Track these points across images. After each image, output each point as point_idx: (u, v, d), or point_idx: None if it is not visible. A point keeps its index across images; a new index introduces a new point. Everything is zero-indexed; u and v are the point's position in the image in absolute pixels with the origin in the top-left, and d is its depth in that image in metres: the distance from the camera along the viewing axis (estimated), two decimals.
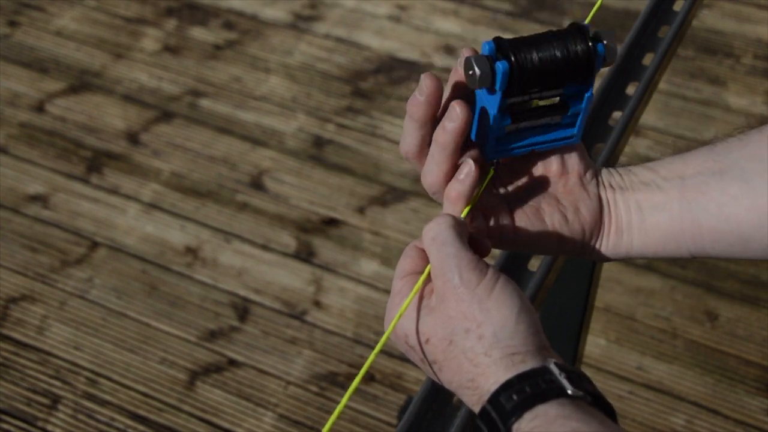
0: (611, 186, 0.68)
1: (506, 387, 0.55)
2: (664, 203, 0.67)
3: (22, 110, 2.41)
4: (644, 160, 2.30)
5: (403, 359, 1.86)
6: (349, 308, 1.96)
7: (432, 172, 0.64)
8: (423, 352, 0.60)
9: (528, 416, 0.54)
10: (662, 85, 2.40)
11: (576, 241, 0.68)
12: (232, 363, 1.88)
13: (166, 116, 2.38)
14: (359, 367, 1.86)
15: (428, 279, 0.62)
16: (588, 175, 0.68)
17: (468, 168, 0.63)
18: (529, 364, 0.56)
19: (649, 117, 2.35)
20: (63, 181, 2.23)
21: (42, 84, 2.48)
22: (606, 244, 0.69)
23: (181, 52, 2.56)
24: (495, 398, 0.55)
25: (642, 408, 1.81)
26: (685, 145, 2.30)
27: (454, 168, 0.64)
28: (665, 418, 1.80)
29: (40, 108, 2.41)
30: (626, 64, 1.06)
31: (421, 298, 0.61)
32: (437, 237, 0.61)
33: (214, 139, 2.32)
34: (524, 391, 0.55)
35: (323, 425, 1.83)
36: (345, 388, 1.83)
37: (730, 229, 0.65)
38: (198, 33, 2.62)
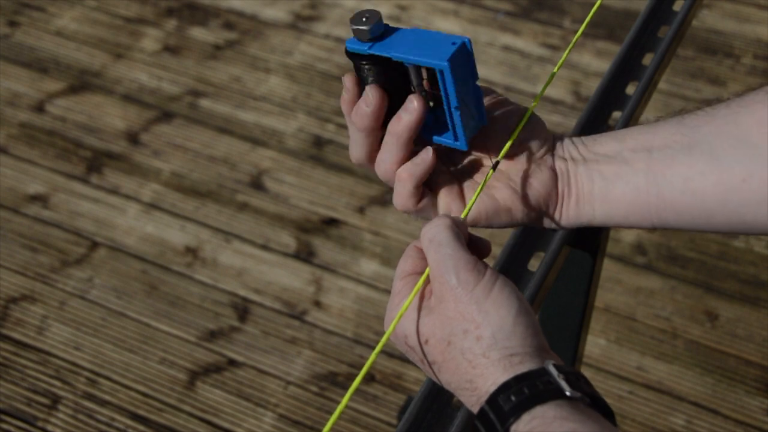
0: (572, 158, 0.69)
1: (504, 388, 0.56)
2: (630, 176, 0.66)
3: (22, 110, 2.41)
4: None
5: (403, 359, 1.86)
6: (349, 308, 1.96)
7: (385, 161, 0.66)
8: (423, 353, 0.60)
9: (526, 417, 0.54)
10: (662, 85, 2.40)
11: (529, 212, 0.68)
12: (232, 363, 1.88)
13: (166, 116, 2.38)
14: (359, 367, 1.86)
15: (428, 280, 0.62)
16: (540, 149, 0.68)
17: (426, 154, 0.65)
18: (527, 366, 0.56)
19: (649, 117, 2.34)
20: (63, 181, 2.23)
21: (42, 84, 2.48)
22: (566, 214, 0.69)
23: (181, 52, 2.56)
24: (493, 399, 0.56)
25: (642, 408, 1.81)
26: None
27: (407, 157, 0.66)
28: (665, 418, 1.80)
29: (40, 108, 2.41)
30: (626, 64, 1.06)
31: (421, 299, 0.61)
32: (434, 238, 0.61)
33: (214, 139, 2.32)
34: (522, 393, 0.55)
35: (323, 425, 1.83)
36: (345, 388, 1.83)
37: (695, 203, 0.65)
38: (198, 33, 2.62)
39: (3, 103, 2.43)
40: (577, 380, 0.56)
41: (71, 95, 2.45)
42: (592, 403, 0.56)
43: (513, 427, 0.54)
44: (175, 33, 2.62)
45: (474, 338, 0.57)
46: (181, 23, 2.65)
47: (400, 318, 0.61)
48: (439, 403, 0.75)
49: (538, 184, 0.68)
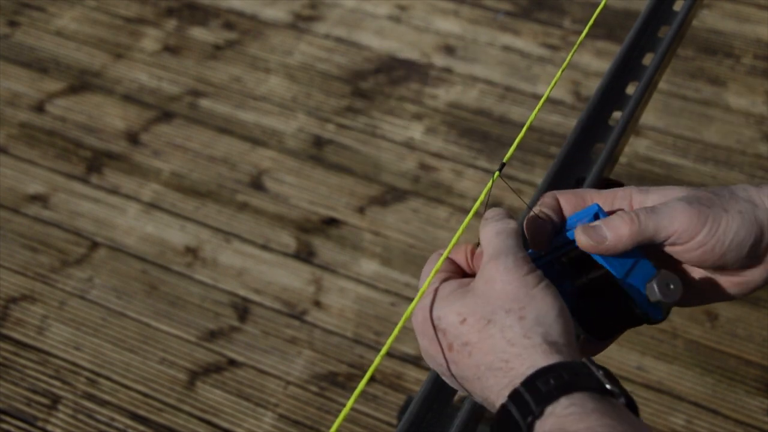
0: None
1: (544, 372, 0.55)
2: None
3: (22, 110, 2.41)
4: (644, 160, 2.31)
5: (404, 360, 1.86)
6: (349, 308, 1.96)
7: None
8: (454, 334, 0.59)
9: (565, 401, 0.54)
10: (662, 85, 2.40)
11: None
12: (232, 363, 1.88)
13: (166, 116, 2.38)
14: (359, 367, 1.86)
15: (460, 271, 0.63)
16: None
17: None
18: (566, 356, 0.56)
19: (649, 117, 2.35)
20: (63, 181, 2.23)
21: (42, 84, 2.48)
22: None
23: (181, 52, 2.56)
24: (530, 381, 0.55)
25: (642, 408, 1.81)
26: (684, 145, 2.31)
27: None
28: (665, 418, 1.80)
29: (40, 108, 2.41)
30: (626, 64, 1.06)
31: (452, 284, 0.62)
32: (502, 231, 0.61)
33: (214, 139, 2.32)
34: (562, 378, 0.54)
35: (323, 425, 1.83)
36: (345, 388, 1.83)
37: None
38: (198, 33, 2.62)
39: (3, 103, 2.43)
40: (613, 379, 0.56)
41: (71, 95, 2.45)
42: (627, 403, 0.56)
43: (549, 409, 0.54)
44: (175, 33, 2.62)
45: (517, 317, 0.57)
46: (181, 23, 2.65)
47: (418, 301, 0.61)
48: (439, 403, 0.75)
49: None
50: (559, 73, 0.73)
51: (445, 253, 0.63)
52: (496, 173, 0.67)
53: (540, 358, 0.56)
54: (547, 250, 0.66)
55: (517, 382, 0.56)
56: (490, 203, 0.68)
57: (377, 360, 0.59)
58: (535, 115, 0.69)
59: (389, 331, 1.88)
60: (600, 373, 0.55)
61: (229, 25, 2.64)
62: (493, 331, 0.58)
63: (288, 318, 1.95)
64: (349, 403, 0.54)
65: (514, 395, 0.55)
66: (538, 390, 0.54)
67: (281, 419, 1.80)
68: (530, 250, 0.66)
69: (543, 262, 0.67)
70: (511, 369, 0.57)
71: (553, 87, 0.73)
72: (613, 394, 0.55)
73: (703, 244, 0.63)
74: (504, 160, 0.67)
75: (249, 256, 2.06)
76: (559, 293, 0.64)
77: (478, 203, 0.66)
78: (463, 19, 2.65)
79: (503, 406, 0.56)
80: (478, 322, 0.58)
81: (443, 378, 0.64)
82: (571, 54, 0.74)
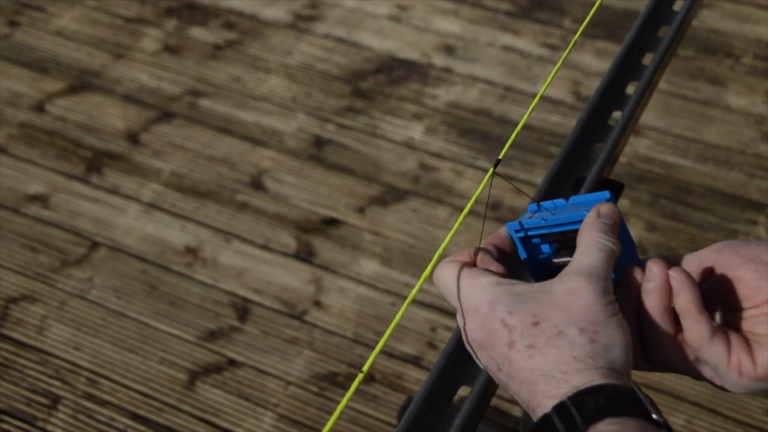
0: None
1: (595, 390, 0.57)
2: None
3: (22, 110, 2.41)
4: (644, 160, 2.30)
5: (404, 360, 1.86)
6: (349, 308, 1.96)
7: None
8: (521, 334, 0.60)
9: (609, 420, 0.55)
10: (662, 85, 2.40)
11: None
12: (232, 363, 1.88)
13: (166, 116, 2.38)
14: (359, 368, 1.86)
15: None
16: None
17: (676, 278, 0.63)
18: (622, 382, 0.58)
19: (649, 117, 2.35)
20: (63, 181, 2.23)
21: (42, 84, 2.48)
22: None
23: (181, 52, 2.56)
24: (580, 397, 0.56)
25: None
26: (684, 145, 2.31)
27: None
28: (665, 418, 1.80)
29: (40, 108, 2.41)
30: (626, 64, 1.06)
31: (522, 284, 0.62)
32: (606, 250, 0.62)
33: (214, 139, 2.32)
34: (612, 399, 0.56)
35: (323, 425, 1.83)
36: (345, 388, 1.83)
37: None
38: (198, 33, 2.62)
39: (3, 103, 2.43)
40: (658, 410, 0.58)
41: (71, 95, 2.45)
42: None
43: (593, 427, 0.55)
44: (175, 33, 2.62)
45: (588, 339, 0.59)
46: (181, 23, 2.65)
47: (484, 291, 0.62)
48: (439, 403, 0.75)
49: None
50: (554, 71, 0.73)
51: (447, 240, 0.63)
52: (491, 169, 0.67)
53: (598, 380, 0.57)
54: (541, 227, 0.67)
55: (567, 394, 0.57)
56: (489, 202, 0.68)
57: (375, 351, 0.59)
58: (531, 112, 0.69)
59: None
60: (647, 403, 0.57)
61: (229, 25, 2.64)
62: (562, 343, 0.59)
63: (288, 318, 1.95)
64: (343, 402, 0.54)
65: (560, 408, 0.57)
66: (586, 407, 0.56)
67: (281, 419, 1.80)
68: (519, 221, 0.67)
69: (531, 235, 0.68)
70: (566, 381, 0.58)
71: (548, 85, 0.73)
72: (657, 424, 0.57)
73: (746, 245, 0.64)
74: (500, 157, 0.67)
75: (249, 256, 2.06)
76: (539, 268, 0.68)
77: (473, 199, 0.66)
78: (463, 19, 2.65)
79: (547, 416, 0.57)
80: (550, 329, 0.59)
81: (479, 365, 0.64)
82: (565, 53, 0.74)
